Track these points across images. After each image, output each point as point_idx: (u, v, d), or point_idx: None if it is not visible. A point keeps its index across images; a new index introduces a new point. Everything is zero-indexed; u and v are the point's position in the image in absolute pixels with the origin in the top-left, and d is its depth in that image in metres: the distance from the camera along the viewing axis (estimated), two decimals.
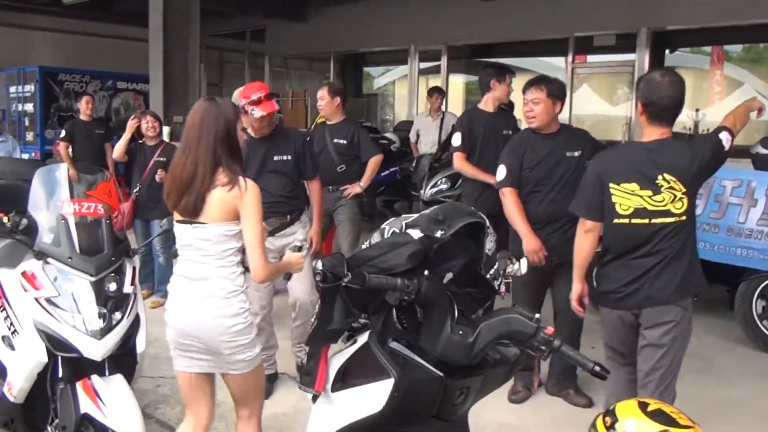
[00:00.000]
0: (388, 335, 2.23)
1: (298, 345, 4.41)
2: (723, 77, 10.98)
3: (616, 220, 3.10)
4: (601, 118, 11.75)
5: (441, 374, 2.15)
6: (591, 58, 11.13)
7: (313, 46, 13.90)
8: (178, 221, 2.77)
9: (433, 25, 11.75)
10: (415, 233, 2.14)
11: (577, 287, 3.32)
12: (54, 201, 3.25)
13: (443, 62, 12.28)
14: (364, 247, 2.25)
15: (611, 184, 3.09)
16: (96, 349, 3.02)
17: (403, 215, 2.28)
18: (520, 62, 11.64)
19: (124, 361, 3.20)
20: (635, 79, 9.79)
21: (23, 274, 3.12)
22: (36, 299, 3.05)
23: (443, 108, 9.28)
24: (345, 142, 5.48)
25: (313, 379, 2.28)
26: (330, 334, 2.28)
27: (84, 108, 8.02)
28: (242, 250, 2.72)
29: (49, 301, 3.04)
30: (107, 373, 3.12)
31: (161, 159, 6.07)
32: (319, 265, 2.07)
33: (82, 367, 3.09)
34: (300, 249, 2.85)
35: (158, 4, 9.14)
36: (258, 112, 3.98)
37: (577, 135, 4.28)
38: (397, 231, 2.20)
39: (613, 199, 3.09)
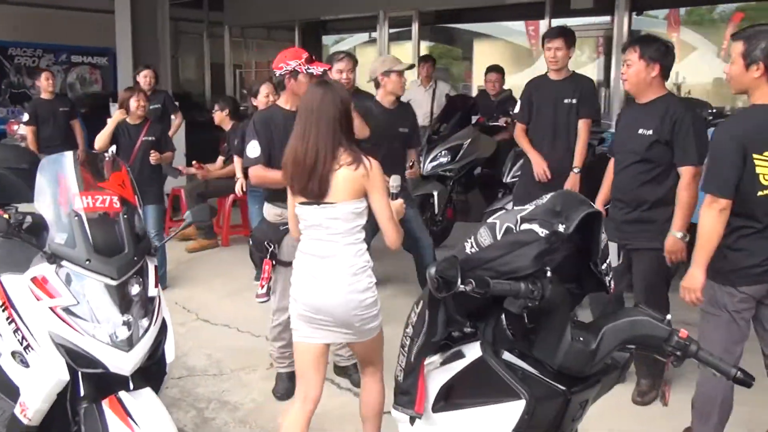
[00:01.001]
0: (499, 346, 1.94)
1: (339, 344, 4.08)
2: (680, 41, 10.94)
3: (760, 192, 2.89)
4: None
5: (564, 389, 1.88)
6: (569, 21, 10.88)
7: (276, 13, 13.33)
8: (301, 203, 2.87)
9: None
10: (536, 228, 1.84)
11: (701, 276, 3.03)
12: (63, 195, 2.85)
13: (414, 29, 11.88)
14: (468, 246, 1.95)
15: (754, 154, 2.86)
16: (124, 363, 2.67)
17: (515, 207, 1.98)
18: (494, 27, 11.36)
19: (151, 372, 2.86)
20: (615, 41, 9.63)
21: (34, 280, 2.72)
22: (51, 309, 2.67)
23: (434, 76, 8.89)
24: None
25: (413, 399, 1.99)
26: (432, 346, 1.98)
27: (45, 85, 7.42)
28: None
29: (66, 310, 2.66)
30: (132, 387, 2.78)
31: (149, 138, 5.65)
32: (432, 271, 1.76)
33: (105, 383, 2.74)
34: (396, 196, 2.99)
35: None
36: (316, 69, 3.68)
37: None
38: (512, 226, 1.89)
39: (757, 170, 2.86)
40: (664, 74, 3.62)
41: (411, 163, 5.07)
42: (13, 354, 2.77)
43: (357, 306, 2.84)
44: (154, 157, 5.53)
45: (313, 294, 2.90)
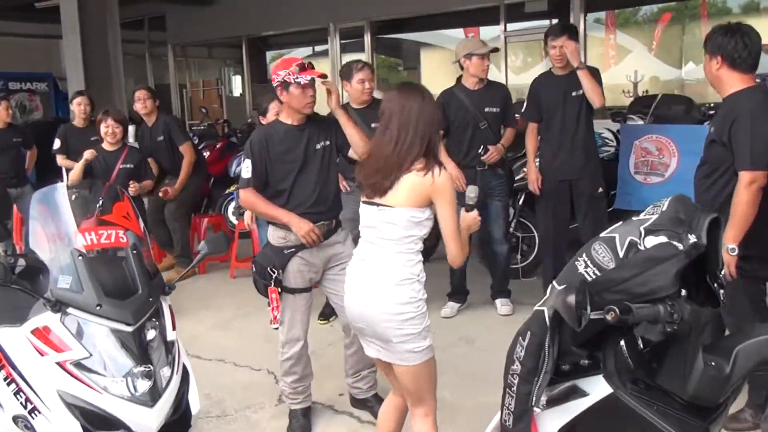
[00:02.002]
0: (622, 377, 1.69)
1: (355, 374, 3.77)
2: (616, 44, 11.08)
3: None
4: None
5: (702, 423, 1.65)
6: (523, 25, 10.84)
7: (222, 30, 12.95)
8: (364, 202, 2.71)
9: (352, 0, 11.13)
10: (666, 240, 1.60)
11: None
12: (61, 232, 2.51)
13: (367, 39, 11.68)
14: (582, 266, 1.69)
15: None
16: (149, 420, 2.34)
17: (632, 218, 1.73)
18: (452, 34, 11.25)
19: (175, 427, 2.52)
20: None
21: (35, 332, 2.37)
22: (59, 364, 2.32)
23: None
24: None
25: None
26: (546, 382, 1.72)
27: (3, 115, 6.90)
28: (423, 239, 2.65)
29: (78, 364, 2.32)
30: None
31: (127, 166, 5.22)
32: (572, 300, 1.51)
33: None
34: (472, 208, 2.70)
35: None
36: (304, 78, 3.33)
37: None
38: (637, 240, 1.65)
39: None
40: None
41: (486, 149, 4.92)
42: (15, 419, 2.40)
43: (392, 318, 2.58)
44: (133, 188, 5.09)
45: (354, 299, 2.72)
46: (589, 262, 1.68)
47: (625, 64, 10.62)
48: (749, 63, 3.04)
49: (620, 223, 1.76)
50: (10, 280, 2.40)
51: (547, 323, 1.69)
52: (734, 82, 3.05)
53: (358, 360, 3.69)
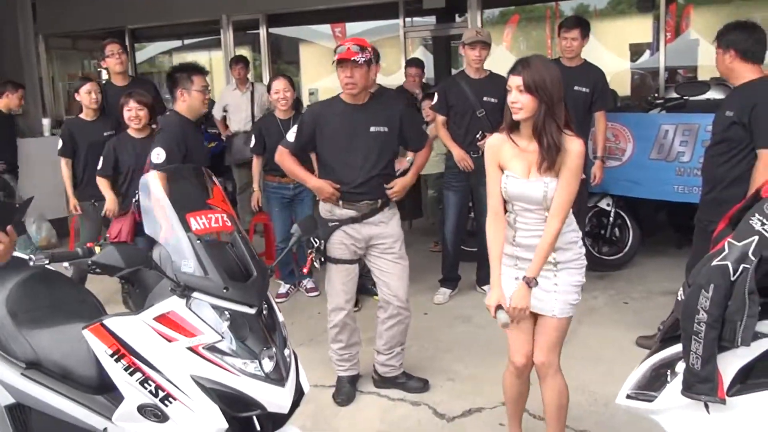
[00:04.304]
0: None
1: (389, 350, 3.87)
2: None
3: None
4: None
5: None
6: (423, 20, 11.19)
7: (102, 21, 12.30)
8: (510, 176, 2.78)
9: None
10: None
11: None
12: (171, 218, 2.45)
13: (262, 32, 11.57)
14: (759, 223, 1.94)
15: None
16: (284, 399, 2.37)
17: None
18: (351, 27, 11.41)
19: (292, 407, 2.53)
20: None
21: (160, 319, 2.32)
22: (192, 349, 2.29)
23: (250, 79, 8.45)
24: None
25: (715, 386, 1.95)
26: (753, 324, 1.95)
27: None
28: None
29: (211, 348, 2.30)
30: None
31: None
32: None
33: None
34: None
35: None
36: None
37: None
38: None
39: None
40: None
41: (483, 135, 5.09)
42: (142, 409, 2.34)
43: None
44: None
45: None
46: (765, 220, 1.94)
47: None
48: (759, 56, 3.49)
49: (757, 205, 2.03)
50: (150, 264, 2.34)
51: (732, 276, 1.93)
52: (747, 72, 3.50)
53: (392, 335, 3.84)
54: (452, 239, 5.51)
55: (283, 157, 3.83)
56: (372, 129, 3.62)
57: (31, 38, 7.74)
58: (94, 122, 5.45)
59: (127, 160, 4.90)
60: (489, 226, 2.85)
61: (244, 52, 11.34)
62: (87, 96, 5.38)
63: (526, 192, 2.75)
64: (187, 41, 14.03)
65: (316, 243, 3.58)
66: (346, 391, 3.87)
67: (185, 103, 4.37)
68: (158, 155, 4.11)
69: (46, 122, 7.84)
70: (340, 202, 3.68)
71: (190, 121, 4.45)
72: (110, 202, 4.99)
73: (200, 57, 13.70)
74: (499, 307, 2.77)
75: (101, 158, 5.03)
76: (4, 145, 6.59)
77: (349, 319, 3.82)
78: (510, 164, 2.78)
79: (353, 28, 11.95)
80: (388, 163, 3.78)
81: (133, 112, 4.88)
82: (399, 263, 3.79)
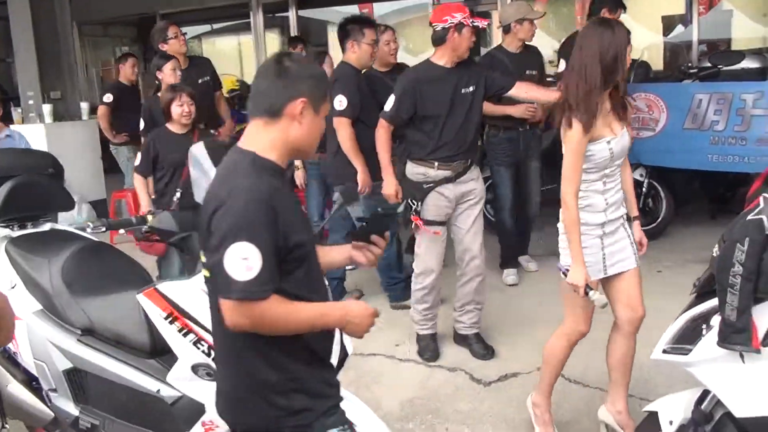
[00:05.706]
0: None
1: (461, 308, 4.01)
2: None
3: None
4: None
5: None
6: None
7: (133, 7, 12.46)
8: (610, 138, 2.81)
9: None
10: None
11: None
12: None
13: (292, 15, 11.62)
14: None
15: None
16: (334, 356, 2.45)
17: None
18: (379, 7, 11.43)
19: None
20: None
21: None
22: None
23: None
24: None
25: (749, 336, 2.02)
26: None
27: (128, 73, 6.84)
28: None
29: None
30: None
31: None
32: None
33: None
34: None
35: None
36: (481, 23, 3.82)
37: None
38: None
39: None
40: None
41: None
42: (195, 368, 2.46)
43: None
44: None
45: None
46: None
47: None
48: None
49: None
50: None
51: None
52: None
53: (465, 293, 4.00)
54: (509, 218, 5.28)
55: (382, 132, 3.88)
56: (463, 90, 3.79)
57: (68, 25, 7.91)
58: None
59: (170, 157, 4.45)
60: (571, 209, 2.76)
61: (274, 35, 11.45)
62: (172, 74, 5.00)
63: (626, 144, 2.87)
64: (216, 25, 14.14)
65: (414, 205, 3.74)
66: (431, 348, 4.06)
67: (355, 54, 4.58)
68: (340, 102, 4.33)
69: (84, 106, 7.98)
70: (435, 164, 3.79)
71: (360, 72, 4.64)
72: (147, 206, 4.58)
73: (230, 41, 13.87)
74: (587, 287, 2.76)
75: (138, 154, 4.73)
76: (130, 115, 6.32)
77: (438, 281, 3.99)
78: (602, 129, 2.79)
79: (381, 8, 11.97)
80: (477, 124, 3.97)
81: (185, 107, 4.49)
82: (478, 220, 3.94)
